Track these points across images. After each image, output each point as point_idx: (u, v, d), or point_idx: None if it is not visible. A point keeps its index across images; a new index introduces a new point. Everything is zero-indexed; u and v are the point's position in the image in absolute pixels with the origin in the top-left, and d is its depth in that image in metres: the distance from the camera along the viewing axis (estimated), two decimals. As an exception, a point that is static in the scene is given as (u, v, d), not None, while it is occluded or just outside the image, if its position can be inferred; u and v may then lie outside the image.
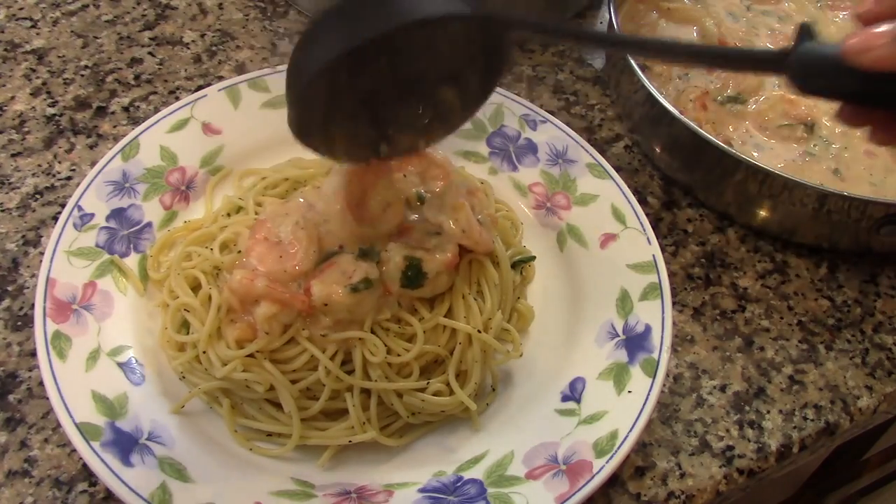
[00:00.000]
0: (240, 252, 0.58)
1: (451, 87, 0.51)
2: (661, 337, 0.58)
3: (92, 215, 0.62)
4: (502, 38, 0.47)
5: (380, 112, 0.51)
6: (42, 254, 0.60)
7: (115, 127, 0.74)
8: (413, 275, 0.56)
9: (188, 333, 0.58)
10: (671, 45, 0.53)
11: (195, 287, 0.59)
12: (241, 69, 0.80)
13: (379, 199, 0.56)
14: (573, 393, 0.58)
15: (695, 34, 0.80)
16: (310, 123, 0.49)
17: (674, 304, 0.62)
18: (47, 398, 0.53)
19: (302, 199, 0.59)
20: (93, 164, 0.67)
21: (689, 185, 0.73)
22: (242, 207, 0.63)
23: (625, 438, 0.54)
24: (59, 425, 0.55)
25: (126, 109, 0.76)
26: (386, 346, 0.56)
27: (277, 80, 0.71)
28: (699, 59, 0.48)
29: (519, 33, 0.48)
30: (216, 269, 0.59)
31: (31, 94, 0.76)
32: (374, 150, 0.54)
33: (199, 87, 0.77)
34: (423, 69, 0.48)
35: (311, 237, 0.56)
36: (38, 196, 0.68)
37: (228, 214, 0.64)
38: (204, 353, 0.56)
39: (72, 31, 0.82)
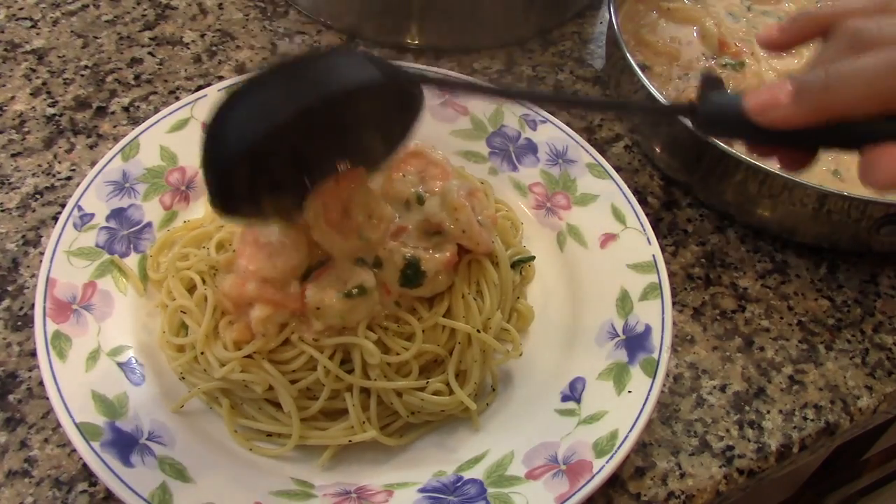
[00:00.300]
0: (234, 251, 0.58)
1: (371, 136, 0.51)
2: (661, 337, 0.58)
3: (92, 215, 0.62)
4: (415, 90, 0.48)
5: (301, 172, 0.50)
6: (42, 254, 0.60)
7: (115, 127, 0.74)
8: (412, 274, 0.56)
9: (187, 335, 0.58)
10: (579, 99, 0.56)
11: (192, 288, 0.59)
12: (241, 69, 0.80)
13: (360, 209, 0.55)
14: (573, 393, 0.58)
15: (695, 34, 0.80)
16: (234, 199, 0.47)
17: (674, 304, 0.62)
18: (47, 398, 0.53)
19: None
20: (93, 164, 0.67)
21: (689, 185, 0.73)
22: None
23: (625, 438, 0.54)
24: (59, 425, 0.55)
25: (126, 109, 0.76)
26: (385, 344, 0.56)
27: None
28: (608, 109, 0.51)
29: (428, 85, 0.48)
30: (213, 269, 0.59)
31: (31, 94, 0.76)
32: (298, 201, 0.53)
33: (199, 87, 0.77)
34: (343, 132, 0.48)
35: (302, 236, 0.55)
36: (38, 196, 0.68)
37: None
38: (202, 354, 0.56)
39: (72, 31, 0.82)
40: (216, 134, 0.43)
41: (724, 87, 0.45)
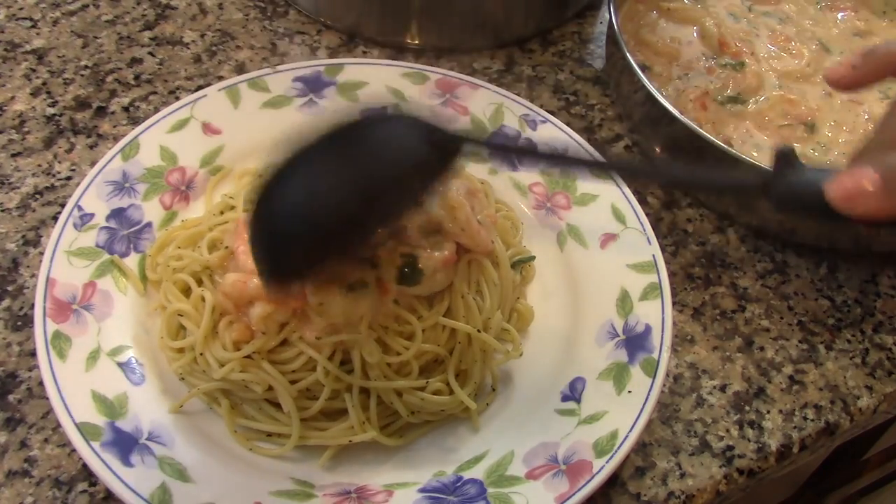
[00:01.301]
0: (227, 248, 0.58)
1: (413, 200, 0.51)
2: (661, 337, 0.58)
3: (92, 215, 0.62)
4: (455, 148, 0.47)
5: (351, 243, 0.50)
6: (42, 254, 0.60)
7: (115, 127, 0.74)
8: (409, 272, 0.56)
9: (186, 338, 0.58)
10: (651, 169, 0.53)
11: (188, 289, 0.59)
12: (241, 69, 0.80)
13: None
14: (573, 393, 0.58)
15: (695, 34, 0.80)
16: (287, 275, 0.47)
17: (674, 304, 0.62)
18: (47, 398, 0.53)
19: None
20: (93, 164, 0.67)
21: (689, 186, 0.73)
22: (234, 206, 0.63)
23: (625, 438, 0.54)
24: (59, 425, 0.55)
25: (126, 109, 0.76)
26: (385, 343, 0.56)
27: (277, 80, 0.71)
28: (680, 183, 0.48)
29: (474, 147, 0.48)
30: (207, 270, 0.59)
31: (31, 94, 0.76)
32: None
33: (199, 87, 0.77)
34: (394, 204, 0.48)
35: None
36: (38, 196, 0.68)
37: (222, 212, 0.64)
38: (201, 354, 0.56)
39: (72, 31, 0.82)
40: (268, 212, 0.42)
41: (799, 160, 0.41)
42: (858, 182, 0.37)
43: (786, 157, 0.42)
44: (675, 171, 0.51)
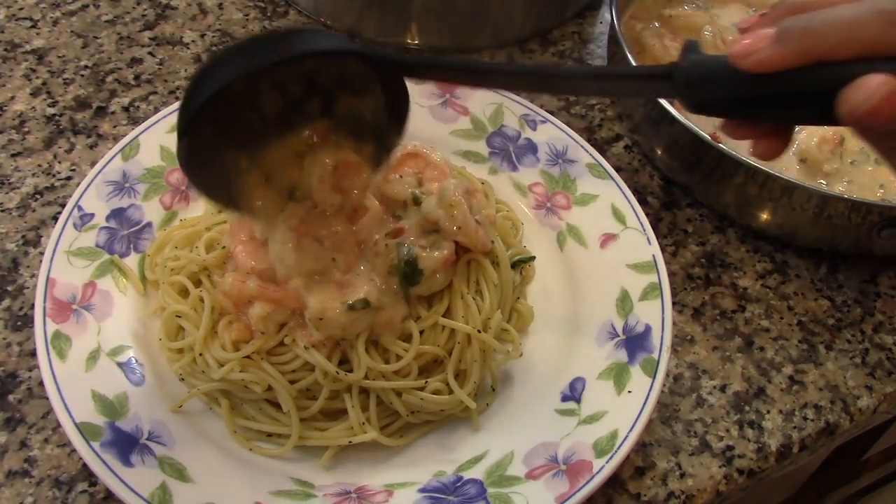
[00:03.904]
0: (224, 248, 0.58)
1: (353, 112, 0.51)
2: (661, 337, 0.58)
3: (92, 215, 0.62)
4: (396, 80, 0.48)
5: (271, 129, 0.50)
6: (42, 254, 0.60)
7: (115, 127, 0.74)
8: (409, 271, 0.56)
9: (185, 337, 0.58)
10: (554, 72, 0.54)
11: (186, 290, 0.59)
12: (241, 69, 0.80)
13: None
14: (573, 393, 0.58)
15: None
16: (202, 155, 0.48)
17: (674, 304, 0.62)
18: (47, 398, 0.53)
19: None
20: (93, 164, 0.67)
21: (688, 186, 0.73)
22: None
23: (625, 438, 0.54)
24: (59, 425, 0.55)
25: (126, 109, 0.76)
26: (384, 347, 0.56)
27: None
28: (582, 83, 0.49)
29: (413, 72, 0.48)
30: (205, 270, 0.59)
31: (31, 94, 0.76)
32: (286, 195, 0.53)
33: (199, 87, 0.77)
34: (313, 95, 0.49)
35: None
36: (38, 196, 0.68)
37: (220, 212, 0.63)
38: (200, 355, 0.56)
39: (72, 31, 0.82)
40: (189, 88, 0.44)
41: (703, 50, 0.44)
42: (755, 38, 0.41)
43: (691, 46, 0.44)
44: (581, 75, 0.52)
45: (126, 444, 0.52)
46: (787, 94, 0.41)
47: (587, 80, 0.48)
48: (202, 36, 0.83)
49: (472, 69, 0.51)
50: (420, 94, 0.72)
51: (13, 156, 0.71)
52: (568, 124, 0.71)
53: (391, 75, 0.48)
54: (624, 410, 0.55)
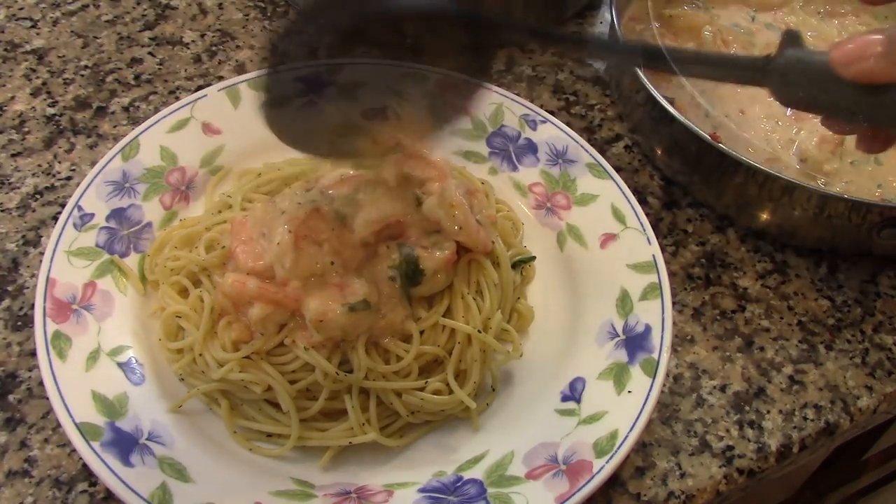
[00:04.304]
0: (224, 248, 0.58)
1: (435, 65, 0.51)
2: (661, 337, 0.58)
3: (92, 215, 0.62)
4: (489, 43, 0.48)
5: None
6: (42, 254, 0.60)
7: (115, 127, 0.74)
8: (411, 272, 0.56)
9: (185, 337, 0.58)
10: (661, 51, 0.53)
11: (186, 290, 0.59)
12: (241, 69, 0.80)
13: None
14: (573, 393, 0.58)
15: (692, 44, 0.80)
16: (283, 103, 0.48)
17: (674, 304, 0.62)
18: (47, 398, 0.53)
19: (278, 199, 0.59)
20: (93, 164, 0.67)
21: (688, 186, 0.73)
22: (232, 205, 0.63)
23: (625, 438, 0.54)
24: (59, 425, 0.55)
25: (126, 109, 0.76)
26: (384, 348, 0.56)
27: (278, 80, 0.71)
28: (689, 65, 0.48)
29: (510, 36, 0.48)
30: (205, 270, 0.59)
31: (31, 94, 0.76)
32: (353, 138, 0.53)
33: (199, 87, 0.77)
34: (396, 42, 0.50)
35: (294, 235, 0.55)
36: (38, 196, 0.68)
37: (220, 212, 0.64)
38: (200, 355, 0.56)
39: (72, 31, 0.82)
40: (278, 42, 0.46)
41: (804, 43, 0.41)
42: (861, 44, 0.38)
43: (792, 38, 0.41)
44: (685, 54, 0.51)
45: (126, 444, 0.52)
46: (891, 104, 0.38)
47: (691, 63, 0.47)
48: (202, 36, 0.83)
49: (576, 41, 0.49)
50: (420, 94, 0.72)
51: (13, 156, 0.71)
52: (568, 124, 0.71)
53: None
54: (624, 410, 0.55)
